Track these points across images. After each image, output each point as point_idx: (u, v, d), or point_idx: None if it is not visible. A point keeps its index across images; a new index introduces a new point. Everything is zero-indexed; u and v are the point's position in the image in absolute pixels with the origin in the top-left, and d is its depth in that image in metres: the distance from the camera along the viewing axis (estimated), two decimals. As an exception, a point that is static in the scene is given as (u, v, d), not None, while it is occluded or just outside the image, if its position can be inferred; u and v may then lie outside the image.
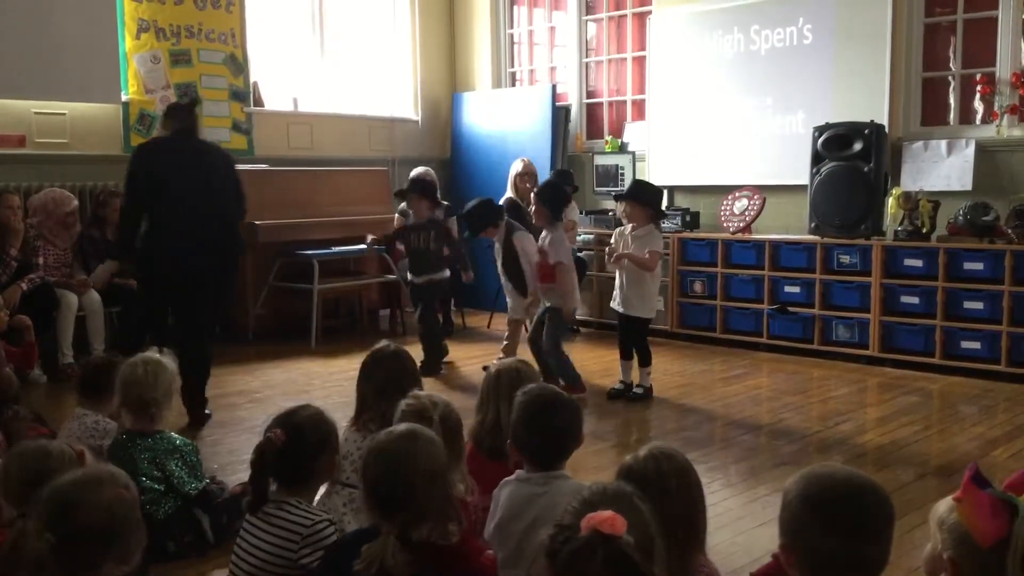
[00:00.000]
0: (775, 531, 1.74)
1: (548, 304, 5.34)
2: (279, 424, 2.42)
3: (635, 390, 5.25)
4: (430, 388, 3.25)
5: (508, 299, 6.00)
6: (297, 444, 2.39)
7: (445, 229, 6.17)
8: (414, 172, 6.99)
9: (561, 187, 5.72)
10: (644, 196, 5.22)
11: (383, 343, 3.17)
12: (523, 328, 5.88)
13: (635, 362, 5.30)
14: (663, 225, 5.85)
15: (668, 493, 1.97)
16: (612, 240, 5.38)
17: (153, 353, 3.32)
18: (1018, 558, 1.56)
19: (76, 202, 6.01)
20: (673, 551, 1.95)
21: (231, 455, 4.14)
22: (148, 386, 3.13)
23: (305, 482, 2.49)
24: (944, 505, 1.66)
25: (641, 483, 1.97)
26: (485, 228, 5.79)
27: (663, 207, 5.38)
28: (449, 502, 2.11)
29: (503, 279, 5.96)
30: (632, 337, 5.30)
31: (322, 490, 2.86)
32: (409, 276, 6.17)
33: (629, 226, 5.23)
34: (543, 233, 5.32)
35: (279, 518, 2.38)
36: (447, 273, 6.17)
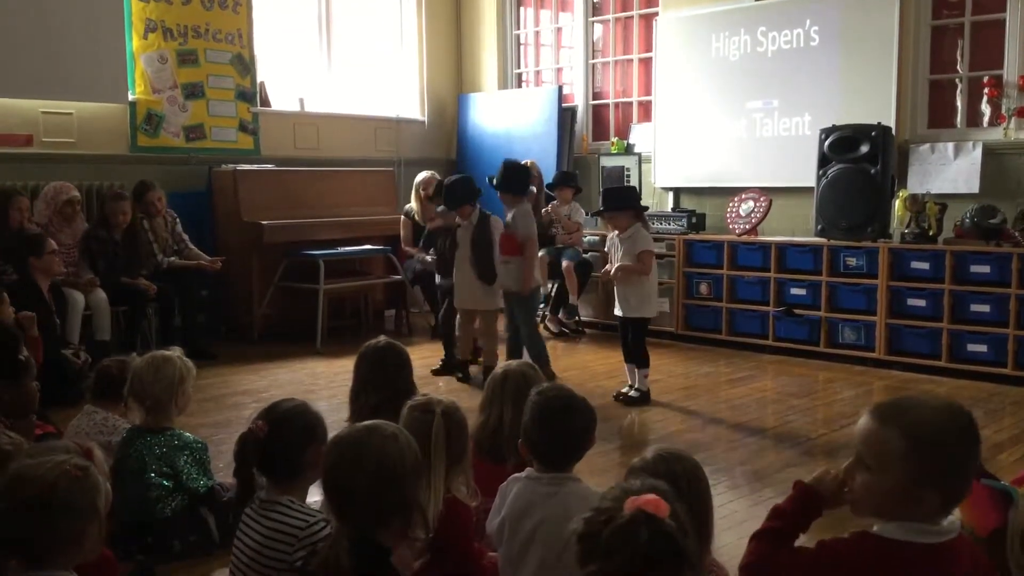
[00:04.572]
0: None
1: (505, 291, 5.38)
2: (261, 416, 2.42)
3: (631, 393, 5.17)
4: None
5: (464, 290, 5.65)
6: (281, 435, 2.37)
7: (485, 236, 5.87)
8: (449, 179, 6.06)
9: (515, 167, 5.57)
10: (617, 202, 5.18)
11: (377, 338, 3.16)
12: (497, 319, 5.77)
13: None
14: (652, 225, 5.82)
15: (679, 494, 1.97)
16: (607, 249, 5.37)
17: (167, 350, 3.32)
18: (1016, 541, 1.57)
19: (76, 193, 6.01)
20: None
21: (236, 455, 4.14)
22: (147, 382, 3.16)
23: (294, 477, 2.44)
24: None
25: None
26: (463, 204, 5.56)
27: (640, 202, 5.32)
28: (409, 510, 2.01)
29: (464, 266, 5.62)
30: (630, 338, 5.24)
31: (318, 493, 2.85)
32: (438, 279, 6.07)
33: (615, 231, 5.20)
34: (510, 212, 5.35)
35: (274, 520, 2.35)
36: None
